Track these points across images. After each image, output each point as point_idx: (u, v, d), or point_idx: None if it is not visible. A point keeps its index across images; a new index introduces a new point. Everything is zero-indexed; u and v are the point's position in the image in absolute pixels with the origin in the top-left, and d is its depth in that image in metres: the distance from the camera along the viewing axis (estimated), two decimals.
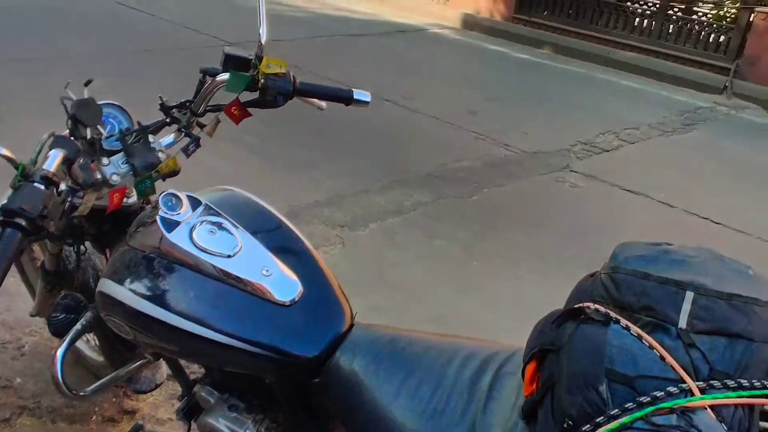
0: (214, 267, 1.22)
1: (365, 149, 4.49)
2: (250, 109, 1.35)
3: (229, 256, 1.23)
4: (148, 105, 1.45)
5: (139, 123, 1.34)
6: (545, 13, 8.63)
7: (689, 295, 0.92)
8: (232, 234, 1.27)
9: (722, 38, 7.54)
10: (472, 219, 3.74)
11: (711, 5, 8.00)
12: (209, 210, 1.30)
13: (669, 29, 7.89)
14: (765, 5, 7.24)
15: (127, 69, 5.38)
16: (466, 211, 3.83)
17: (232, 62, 1.34)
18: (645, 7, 8.23)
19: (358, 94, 1.41)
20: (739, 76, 7.22)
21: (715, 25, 7.64)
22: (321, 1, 9.74)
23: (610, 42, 8.10)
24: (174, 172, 1.38)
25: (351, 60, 6.91)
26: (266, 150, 4.16)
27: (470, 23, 9.04)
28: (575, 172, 4.55)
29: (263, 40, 1.32)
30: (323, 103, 1.47)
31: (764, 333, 0.90)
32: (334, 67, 6.30)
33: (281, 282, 1.24)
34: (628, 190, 4.35)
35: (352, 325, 1.29)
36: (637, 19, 8.15)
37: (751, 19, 7.26)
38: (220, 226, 1.28)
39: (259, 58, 1.30)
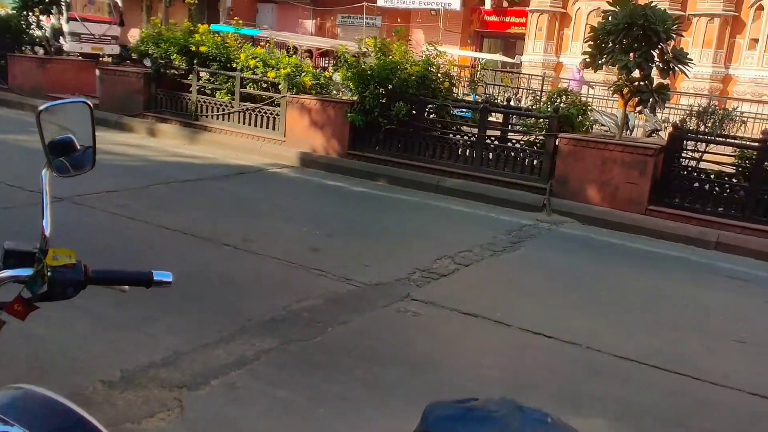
0: None
1: (204, 299, 4.37)
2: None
3: None
4: None
5: None
6: (377, 148, 9.16)
7: None
8: None
9: (535, 162, 8.36)
10: (317, 362, 3.69)
11: (520, 134, 8.88)
12: None
13: (489, 156, 8.65)
14: (565, 131, 8.16)
15: None
16: (311, 354, 3.79)
17: (13, 257, 1.27)
18: (465, 138, 8.98)
19: (159, 275, 1.39)
20: (554, 194, 7.97)
21: (527, 150, 8.48)
22: (158, 149, 9.71)
23: (438, 171, 8.70)
24: None
25: (188, 205, 6.85)
26: (95, 309, 3.89)
27: (307, 161, 9.38)
28: (415, 300, 4.69)
29: (47, 232, 1.28)
30: (125, 286, 1.43)
31: None
32: (170, 214, 6.22)
33: None
34: (466, 313, 4.52)
35: None
36: (460, 149, 8.86)
37: (557, 143, 8.14)
38: None
39: (44, 251, 1.26)
